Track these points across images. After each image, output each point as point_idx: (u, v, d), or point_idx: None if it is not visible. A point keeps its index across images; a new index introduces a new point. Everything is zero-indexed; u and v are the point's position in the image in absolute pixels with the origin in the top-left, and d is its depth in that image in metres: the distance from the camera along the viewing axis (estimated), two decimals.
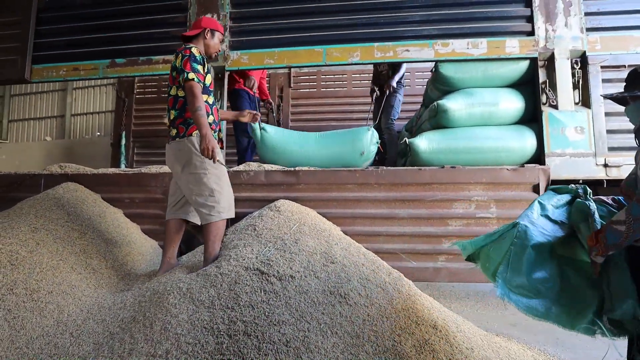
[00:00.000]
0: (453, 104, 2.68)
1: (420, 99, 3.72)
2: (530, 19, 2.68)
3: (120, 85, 5.38)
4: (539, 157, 2.59)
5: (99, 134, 8.36)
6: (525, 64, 2.70)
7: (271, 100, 3.96)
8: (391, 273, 1.88)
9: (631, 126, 1.31)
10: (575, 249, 1.32)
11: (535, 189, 2.46)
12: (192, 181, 1.99)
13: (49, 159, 7.14)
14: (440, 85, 2.94)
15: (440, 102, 2.72)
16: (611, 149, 2.53)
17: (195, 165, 1.98)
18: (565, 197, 1.45)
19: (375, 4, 2.82)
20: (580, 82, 2.58)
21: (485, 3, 2.73)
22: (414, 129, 3.40)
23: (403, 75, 3.83)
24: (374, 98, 3.88)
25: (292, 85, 5.09)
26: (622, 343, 1.24)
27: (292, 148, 2.81)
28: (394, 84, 3.70)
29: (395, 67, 3.72)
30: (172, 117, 2.08)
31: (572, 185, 1.47)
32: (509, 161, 2.59)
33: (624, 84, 1.33)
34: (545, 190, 2.43)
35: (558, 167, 2.51)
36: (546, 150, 2.53)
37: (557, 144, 2.54)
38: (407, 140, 2.79)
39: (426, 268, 2.47)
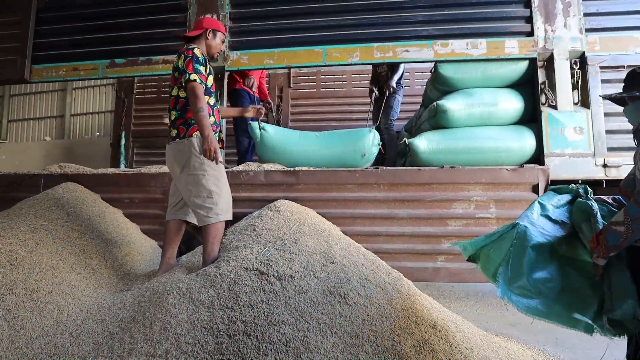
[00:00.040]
0: (452, 104, 2.68)
1: (420, 99, 3.73)
2: (529, 20, 2.69)
3: (119, 86, 5.38)
4: (538, 158, 2.59)
5: (98, 134, 8.35)
6: (524, 65, 2.71)
7: (270, 100, 3.97)
8: (391, 273, 1.88)
9: (630, 126, 1.31)
10: (577, 248, 1.32)
11: (535, 189, 2.46)
12: (190, 182, 1.99)
13: (49, 159, 7.14)
14: (439, 85, 2.94)
15: (439, 102, 2.73)
16: (610, 149, 2.53)
17: (194, 166, 1.98)
18: (566, 197, 1.45)
19: (374, 5, 2.82)
20: (580, 83, 2.59)
21: (485, 4, 2.74)
22: (414, 129, 3.40)
23: (402, 75, 3.84)
24: (373, 99, 3.89)
25: (291, 85, 5.09)
26: (622, 343, 1.24)
27: (292, 148, 2.81)
28: (394, 84, 3.71)
29: (394, 67, 3.73)
30: (172, 118, 2.08)
31: (573, 185, 1.47)
32: (508, 161, 2.60)
33: (623, 84, 1.33)
34: (545, 190, 2.44)
35: (557, 167, 2.51)
36: (545, 151, 2.54)
37: (557, 144, 2.54)
38: (406, 140, 2.80)
39: (426, 268, 2.47)
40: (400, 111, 3.97)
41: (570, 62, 2.61)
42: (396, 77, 3.72)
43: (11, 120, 9.18)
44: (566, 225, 1.37)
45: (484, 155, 2.62)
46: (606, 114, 2.55)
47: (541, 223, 1.36)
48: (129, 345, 1.42)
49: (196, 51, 2.03)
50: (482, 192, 2.49)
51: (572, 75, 2.60)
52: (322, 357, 1.34)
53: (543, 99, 2.60)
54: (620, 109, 1.33)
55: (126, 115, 5.23)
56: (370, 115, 4.07)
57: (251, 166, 2.74)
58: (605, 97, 1.34)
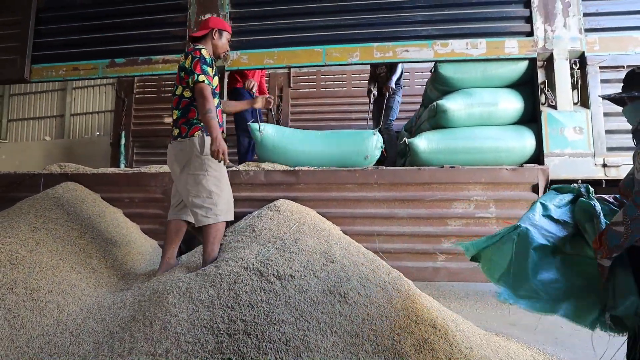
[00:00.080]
0: (452, 104, 2.68)
1: (420, 99, 3.73)
2: (529, 20, 2.69)
3: (119, 85, 5.38)
4: (538, 157, 2.59)
5: (98, 133, 8.35)
6: (524, 65, 2.71)
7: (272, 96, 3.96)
8: (390, 272, 1.88)
9: (629, 126, 1.31)
10: (582, 247, 1.31)
11: (535, 188, 2.46)
12: (190, 182, 1.98)
13: (49, 158, 7.13)
14: (439, 85, 2.94)
15: (439, 102, 2.73)
16: (610, 149, 2.54)
17: (194, 166, 1.98)
18: (568, 197, 1.45)
19: (374, 5, 2.82)
20: (579, 83, 2.59)
21: (485, 4, 2.74)
22: (414, 129, 3.40)
23: (401, 75, 3.84)
24: (371, 99, 3.89)
25: (291, 85, 5.09)
26: (622, 343, 1.24)
27: (292, 148, 2.80)
28: (393, 86, 3.71)
29: (392, 68, 3.73)
30: (175, 117, 2.08)
31: (575, 184, 1.47)
32: (508, 161, 2.60)
33: (622, 84, 1.33)
34: (545, 190, 2.45)
35: (557, 167, 2.52)
36: (545, 150, 2.54)
37: (556, 144, 2.54)
38: (406, 140, 2.80)
39: (425, 267, 2.48)
40: (400, 111, 3.97)
41: (570, 62, 2.61)
42: (395, 78, 3.72)
43: (11, 119, 9.18)
44: (569, 225, 1.37)
45: (483, 155, 2.62)
46: (606, 114, 2.55)
47: (543, 224, 1.36)
48: (129, 345, 1.42)
49: (203, 52, 2.03)
50: (482, 192, 2.50)
51: (572, 75, 2.60)
52: (322, 356, 1.35)
53: (543, 99, 2.60)
54: (620, 108, 1.33)
55: (126, 115, 5.23)
56: (370, 115, 4.07)
57: (251, 166, 2.74)
58: (604, 97, 1.34)
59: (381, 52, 2.79)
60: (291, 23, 2.90)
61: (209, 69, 2.00)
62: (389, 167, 2.70)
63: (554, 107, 2.58)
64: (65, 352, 1.48)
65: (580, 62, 2.61)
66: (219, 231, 2.00)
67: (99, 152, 6.82)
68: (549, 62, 2.64)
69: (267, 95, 2.47)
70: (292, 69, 4.97)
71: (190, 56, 2.01)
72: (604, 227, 1.21)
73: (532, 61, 2.68)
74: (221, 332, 1.42)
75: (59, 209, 2.40)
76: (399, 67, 3.77)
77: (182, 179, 2.02)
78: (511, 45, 2.68)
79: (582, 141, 2.53)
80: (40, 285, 1.79)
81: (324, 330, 1.45)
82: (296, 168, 2.66)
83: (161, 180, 2.75)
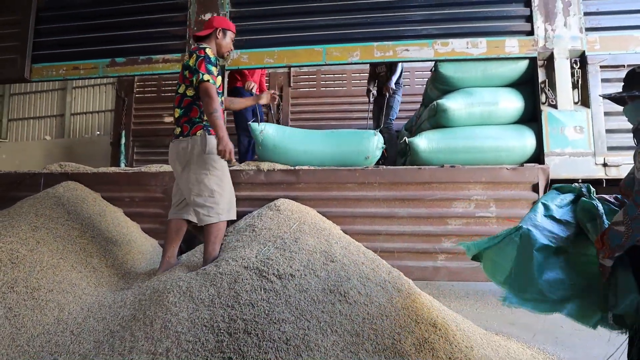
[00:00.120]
0: (453, 104, 2.68)
1: (420, 99, 3.73)
2: (529, 19, 2.69)
3: (120, 85, 5.38)
4: (538, 157, 2.59)
5: (98, 133, 8.35)
6: (524, 64, 2.71)
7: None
8: (391, 272, 1.88)
9: (630, 126, 1.31)
10: (585, 247, 1.31)
11: (535, 188, 2.46)
12: (192, 181, 1.98)
13: (49, 158, 7.14)
14: (439, 84, 2.94)
15: (439, 101, 2.73)
16: (610, 148, 2.53)
17: (197, 165, 1.98)
18: (569, 196, 1.44)
19: (374, 4, 2.82)
20: (580, 82, 2.59)
21: (485, 3, 2.74)
22: (414, 128, 3.40)
23: (401, 74, 3.84)
24: (371, 99, 3.89)
25: (291, 84, 5.09)
26: (623, 343, 1.24)
27: (293, 147, 2.80)
28: (393, 86, 3.71)
29: (392, 67, 3.73)
30: (177, 116, 2.08)
31: (576, 184, 1.47)
32: (508, 160, 2.60)
33: (623, 83, 1.33)
34: (545, 189, 2.45)
35: (557, 166, 2.52)
36: (545, 150, 2.54)
37: (557, 144, 2.54)
38: (406, 139, 2.80)
39: (426, 267, 2.48)
40: (400, 110, 3.97)
41: (571, 62, 2.61)
42: (394, 79, 3.72)
43: (11, 119, 9.18)
44: (571, 225, 1.36)
45: (484, 154, 2.62)
46: (606, 113, 2.55)
47: (545, 224, 1.35)
48: (129, 343, 1.43)
49: (208, 51, 2.03)
50: (482, 191, 2.50)
51: (572, 75, 2.60)
52: (322, 355, 1.35)
53: (543, 98, 2.60)
54: (620, 108, 1.33)
55: (126, 115, 5.22)
56: (370, 115, 4.07)
57: (251, 165, 2.74)
58: (604, 97, 1.34)
59: (381, 51, 2.79)
60: (291, 22, 2.90)
61: (213, 69, 2.01)
62: (389, 167, 2.70)
63: (555, 107, 2.57)
64: (66, 350, 1.48)
65: (581, 61, 2.61)
66: (221, 231, 2.00)
67: (99, 151, 6.82)
68: (550, 61, 2.63)
69: (272, 91, 2.49)
70: (292, 69, 4.97)
71: (195, 55, 2.01)
72: (606, 226, 1.21)
73: (533, 60, 2.68)
74: (221, 331, 1.42)
75: (60, 208, 2.40)
76: (399, 67, 3.77)
77: (184, 178, 2.02)
78: (511, 45, 2.68)
79: (582, 140, 2.53)
80: (40, 284, 1.79)
81: (324, 329, 1.45)
82: (296, 167, 2.66)
83: (161, 180, 2.75)
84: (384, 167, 2.68)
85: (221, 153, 1.89)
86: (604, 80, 2.58)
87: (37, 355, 1.48)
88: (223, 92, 2.31)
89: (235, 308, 1.50)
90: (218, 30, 2.14)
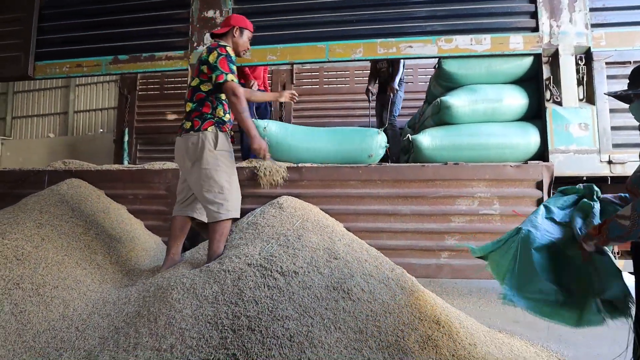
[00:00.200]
0: (456, 101, 2.67)
1: (423, 96, 3.72)
2: (534, 15, 2.66)
3: (122, 82, 5.39)
4: (542, 154, 2.58)
5: (101, 130, 8.38)
6: (529, 60, 2.69)
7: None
8: (394, 269, 1.88)
9: (636, 123, 1.30)
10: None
11: (539, 185, 2.45)
12: (202, 177, 1.97)
13: (53, 155, 7.16)
14: (443, 81, 2.93)
15: (443, 98, 2.72)
16: (615, 145, 2.51)
17: (207, 160, 1.96)
18: (572, 198, 1.45)
19: (378, 0, 2.80)
20: (585, 79, 2.56)
21: None
22: (417, 125, 3.39)
23: (403, 70, 3.82)
24: (370, 98, 3.88)
25: (294, 81, 5.08)
26: (623, 342, 1.24)
27: (296, 145, 2.80)
28: (396, 86, 3.69)
29: (394, 63, 3.71)
30: (188, 109, 2.06)
31: (580, 185, 1.47)
32: (512, 158, 2.59)
33: (628, 81, 1.32)
34: (549, 187, 2.43)
35: (562, 163, 2.50)
36: (550, 147, 2.52)
37: (561, 141, 2.52)
38: (410, 136, 2.79)
39: (429, 264, 2.48)
40: (403, 107, 3.96)
41: (576, 58, 2.58)
42: (398, 78, 3.71)
43: (15, 117, 9.22)
44: (569, 227, 1.37)
45: (487, 151, 2.61)
46: (612, 110, 2.52)
47: (545, 226, 1.37)
48: (134, 340, 1.43)
49: (228, 49, 2.03)
50: (486, 189, 2.49)
51: (578, 71, 2.57)
52: (326, 352, 1.35)
53: (548, 95, 2.58)
54: (626, 105, 1.31)
55: (129, 112, 5.24)
56: (373, 112, 4.05)
57: (254, 162, 2.74)
58: (610, 95, 1.33)
59: (385, 48, 2.77)
60: (294, 19, 2.89)
61: (234, 68, 2.01)
62: (392, 164, 2.69)
63: (559, 104, 2.55)
64: (72, 346, 1.49)
65: (586, 57, 2.58)
66: (226, 229, 2.00)
67: (103, 149, 6.83)
68: (555, 57, 2.61)
69: (292, 91, 2.55)
70: (294, 66, 4.96)
71: (215, 52, 1.99)
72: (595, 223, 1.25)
73: (537, 57, 2.65)
74: (225, 327, 1.42)
75: (64, 205, 2.42)
76: (401, 67, 3.75)
77: (194, 174, 2.00)
78: (516, 41, 2.66)
79: (587, 138, 2.51)
80: (46, 281, 1.80)
81: (327, 326, 1.45)
82: (299, 165, 2.66)
83: (164, 177, 2.75)
84: (387, 164, 2.67)
85: (255, 151, 1.95)
86: (609, 77, 2.55)
87: (43, 351, 1.50)
88: None
89: (238, 305, 1.51)
90: (235, 29, 2.13)
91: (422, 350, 1.44)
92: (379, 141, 2.74)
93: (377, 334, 1.46)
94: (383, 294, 1.65)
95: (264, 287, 1.59)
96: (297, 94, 2.56)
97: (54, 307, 1.71)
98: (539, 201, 2.40)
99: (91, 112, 8.68)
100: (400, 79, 3.81)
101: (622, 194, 1.37)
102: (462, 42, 2.69)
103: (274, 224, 2.11)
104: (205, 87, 2.02)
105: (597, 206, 1.32)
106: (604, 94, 2.17)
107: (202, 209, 2.11)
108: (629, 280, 1.24)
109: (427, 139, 2.68)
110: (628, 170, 2.41)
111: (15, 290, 1.69)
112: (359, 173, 2.58)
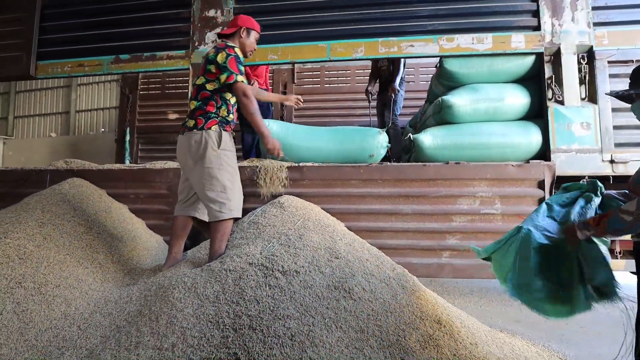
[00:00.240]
0: (458, 100, 2.66)
1: (425, 95, 3.71)
2: (536, 14, 2.65)
3: (124, 82, 5.40)
4: (544, 153, 2.57)
5: (103, 130, 8.40)
6: (531, 59, 2.68)
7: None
8: (395, 268, 1.88)
9: (638, 123, 1.29)
10: (581, 246, 1.32)
11: (541, 185, 2.45)
12: (205, 176, 1.96)
13: (54, 155, 7.18)
14: (444, 80, 2.92)
15: (444, 97, 2.71)
16: (618, 145, 2.50)
17: (210, 159, 1.96)
18: (574, 195, 1.45)
19: None
20: (587, 78, 2.55)
21: None
22: (419, 124, 3.39)
23: (404, 70, 3.82)
24: (370, 99, 3.88)
25: (295, 81, 5.08)
26: (625, 341, 1.24)
27: (297, 144, 2.79)
28: (397, 86, 3.68)
29: (395, 63, 3.71)
30: (192, 107, 2.05)
31: (583, 181, 1.47)
32: (514, 157, 2.58)
33: (629, 80, 1.31)
34: (551, 186, 2.43)
35: (564, 163, 2.49)
36: (552, 146, 2.52)
37: (563, 140, 2.52)
38: (411, 136, 2.78)
39: (430, 264, 2.47)
40: (404, 107, 3.95)
41: (578, 57, 2.57)
42: (399, 78, 3.70)
43: (17, 116, 9.25)
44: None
45: (489, 151, 2.60)
46: (614, 110, 2.51)
47: (546, 224, 1.38)
48: (135, 339, 1.44)
49: (236, 50, 2.04)
50: (487, 188, 2.48)
51: (580, 70, 2.56)
52: (327, 352, 1.35)
53: (550, 94, 2.57)
54: (628, 104, 1.31)
55: (131, 112, 5.25)
56: (374, 112, 4.05)
57: (255, 162, 2.74)
58: (611, 94, 1.32)
59: (386, 47, 2.77)
60: (295, 18, 2.89)
61: (243, 68, 2.02)
62: (393, 163, 2.69)
63: (561, 103, 2.55)
64: (74, 345, 1.50)
65: (589, 56, 2.57)
66: (228, 228, 2.00)
67: (104, 148, 6.85)
68: (557, 56, 2.60)
69: (298, 96, 2.60)
70: (296, 65, 4.95)
71: (224, 52, 1.99)
72: (576, 219, 1.28)
73: (539, 56, 2.65)
74: (227, 326, 1.43)
75: (66, 205, 2.42)
76: (402, 66, 3.74)
77: (197, 172, 2.00)
78: (518, 40, 2.65)
79: (589, 137, 2.50)
80: (48, 280, 1.81)
81: (329, 325, 1.45)
82: (300, 164, 2.66)
83: (166, 176, 2.76)
84: (388, 163, 2.67)
85: (270, 151, 1.99)
86: (612, 76, 2.54)
87: (45, 350, 1.50)
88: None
89: (240, 304, 1.51)
90: (242, 30, 2.13)
91: (424, 349, 1.44)
92: (380, 141, 2.74)
93: (378, 333, 1.46)
94: (384, 293, 1.65)
95: (265, 286, 1.59)
96: (302, 100, 2.58)
97: (56, 305, 1.71)
98: (541, 201, 2.40)
99: (93, 112, 8.70)
100: (402, 78, 3.80)
101: (626, 191, 1.36)
102: (464, 41, 2.68)
103: (275, 223, 2.11)
104: (210, 86, 2.02)
105: (596, 200, 1.33)
106: (606, 94, 2.17)
107: (203, 208, 2.12)
108: (630, 280, 1.25)
109: (428, 139, 2.68)
110: (630, 170, 2.40)
111: (18, 289, 1.70)
112: (360, 172, 2.58)
